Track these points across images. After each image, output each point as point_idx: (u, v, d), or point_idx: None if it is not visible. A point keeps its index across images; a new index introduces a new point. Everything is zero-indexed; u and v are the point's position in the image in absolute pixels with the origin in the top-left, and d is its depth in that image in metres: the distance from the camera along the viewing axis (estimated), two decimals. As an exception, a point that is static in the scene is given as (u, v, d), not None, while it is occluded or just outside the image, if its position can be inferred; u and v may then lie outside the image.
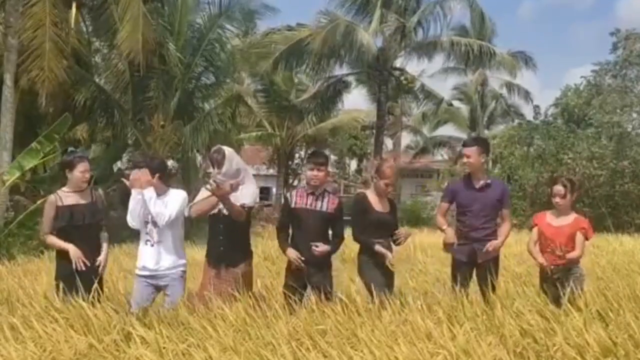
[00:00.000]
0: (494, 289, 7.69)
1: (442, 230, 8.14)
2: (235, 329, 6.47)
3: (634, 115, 37.69)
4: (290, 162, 43.05)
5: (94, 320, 6.66)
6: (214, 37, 26.68)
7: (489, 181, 7.97)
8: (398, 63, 36.20)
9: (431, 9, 34.06)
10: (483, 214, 7.90)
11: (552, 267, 7.85)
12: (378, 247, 7.55)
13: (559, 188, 8.00)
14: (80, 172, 7.62)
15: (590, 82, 42.16)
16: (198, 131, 25.66)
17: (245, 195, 7.36)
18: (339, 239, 7.86)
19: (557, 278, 7.80)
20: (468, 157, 7.82)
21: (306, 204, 7.57)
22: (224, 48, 27.57)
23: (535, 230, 8.20)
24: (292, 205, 7.59)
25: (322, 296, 7.28)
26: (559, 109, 42.77)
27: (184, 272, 7.84)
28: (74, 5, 22.07)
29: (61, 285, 7.54)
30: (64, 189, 7.78)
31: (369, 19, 33.41)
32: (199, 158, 32.16)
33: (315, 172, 7.50)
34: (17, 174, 17.57)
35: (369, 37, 32.25)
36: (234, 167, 7.33)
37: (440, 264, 12.04)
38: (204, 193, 7.48)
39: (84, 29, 24.78)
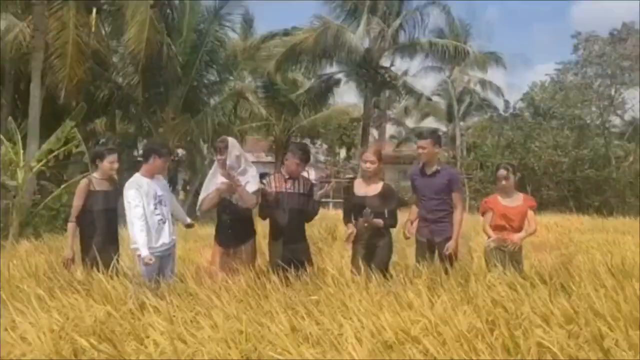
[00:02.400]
0: (451, 264, 7.68)
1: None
2: (237, 300, 6.50)
3: (593, 108, 38.15)
4: (286, 151, 43.04)
5: (111, 291, 6.69)
6: (213, 38, 26.71)
7: (439, 168, 7.94)
8: (384, 62, 36.19)
9: (411, 14, 34.18)
10: (435, 198, 7.90)
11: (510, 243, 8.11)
12: (347, 228, 7.76)
13: (502, 172, 8.27)
14: (109, 162, 7.80)
15: (554, 79, 42.48)
16: (204, 123, 25.65)
17: (250, 184, 7.46)
18: (315, 214, 7.99)
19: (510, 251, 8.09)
20: (423, 148, 7.82)
21: (285, 188, 7.63)
22: (224, 46, 27.76)
23: (490, 214, 8.34)
24: (270, 190, 7.63)
25: (304, 270, 7.39)
26: (526, 103, 42.84)
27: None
28: (94, 10, 22.14)
29: (86, 260, 7.70)
30: (95, 174, 7.88)
31: (357, 24, 33.33)
32: (205, 147, 32.17)
33: (301, 167, 7.64)
34: (43, 160, 17.49)
35: (357, 39, 32.30)
36: (235, 154, 7.43)
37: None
38: (208, 188, 7.62)
39: (103, 31, 24.65)
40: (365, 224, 7.48)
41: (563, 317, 5.67)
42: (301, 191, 7.67)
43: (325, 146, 54.93)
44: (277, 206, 7.61)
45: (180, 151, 30.16)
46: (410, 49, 34.81)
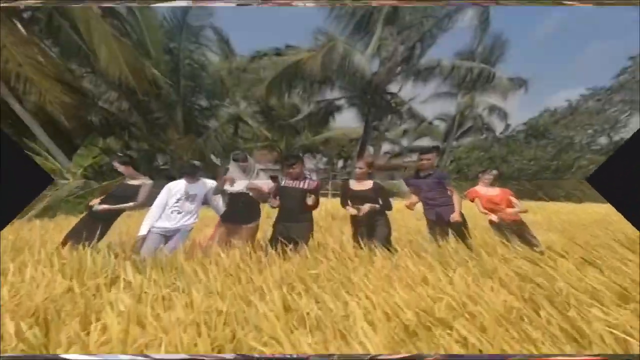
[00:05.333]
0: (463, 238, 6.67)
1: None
2: (227, 274, 4.88)
3: (589, 131, 35.50)
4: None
5: (88, 264, 4.99)
6: (190, 60, 22.30)
7: (431, 172, 7.70)
8: (392, 87, 29.26)
9: (435, 33, 25.23)
10: (434, 190, 7.58)
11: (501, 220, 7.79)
12: (348, 208, 7.19)
13: (492, 174, 8.32)
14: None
15: (571, 105, 39.62)
16: (210, 142, 23.06)
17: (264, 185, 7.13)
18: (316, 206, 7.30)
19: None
20: (429, 160, 7.66)
21: (291, 184, 7.08)
22: (206, 70, 23.51)
23: (477, 200, 8.21)
24: (282, 184, 7.12)
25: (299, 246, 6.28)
26: (528, 126, 39.99)
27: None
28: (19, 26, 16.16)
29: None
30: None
31: (367, 41, 25.84)
32: (218, 160, 29.68)
33: (290, 170, 7.08)
34: (80, 169, 16.54)
35: (365, 60, 25.02)
36: (251, 163, 7.09)
37: (416, 221, 10.15)
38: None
39: (52, 53, 17.86)
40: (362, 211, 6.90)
41: (613, 293, 3.77)
42: (305, 187, 7.05)
43: (325, 159, 53.90)
44: (283, 198, 6.97)
45: (197, 162, 28.01)
46: (425, 73, 26.48)
